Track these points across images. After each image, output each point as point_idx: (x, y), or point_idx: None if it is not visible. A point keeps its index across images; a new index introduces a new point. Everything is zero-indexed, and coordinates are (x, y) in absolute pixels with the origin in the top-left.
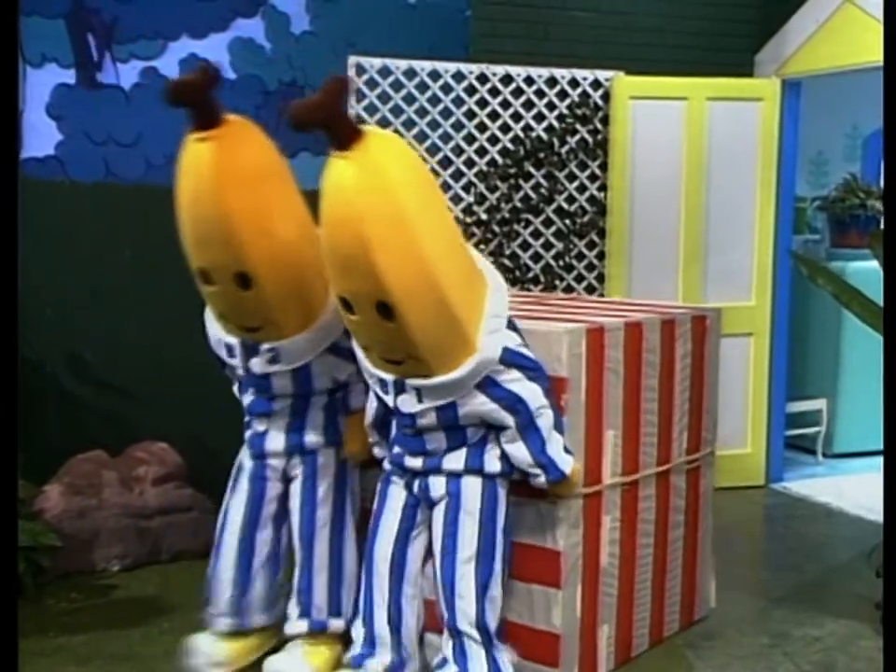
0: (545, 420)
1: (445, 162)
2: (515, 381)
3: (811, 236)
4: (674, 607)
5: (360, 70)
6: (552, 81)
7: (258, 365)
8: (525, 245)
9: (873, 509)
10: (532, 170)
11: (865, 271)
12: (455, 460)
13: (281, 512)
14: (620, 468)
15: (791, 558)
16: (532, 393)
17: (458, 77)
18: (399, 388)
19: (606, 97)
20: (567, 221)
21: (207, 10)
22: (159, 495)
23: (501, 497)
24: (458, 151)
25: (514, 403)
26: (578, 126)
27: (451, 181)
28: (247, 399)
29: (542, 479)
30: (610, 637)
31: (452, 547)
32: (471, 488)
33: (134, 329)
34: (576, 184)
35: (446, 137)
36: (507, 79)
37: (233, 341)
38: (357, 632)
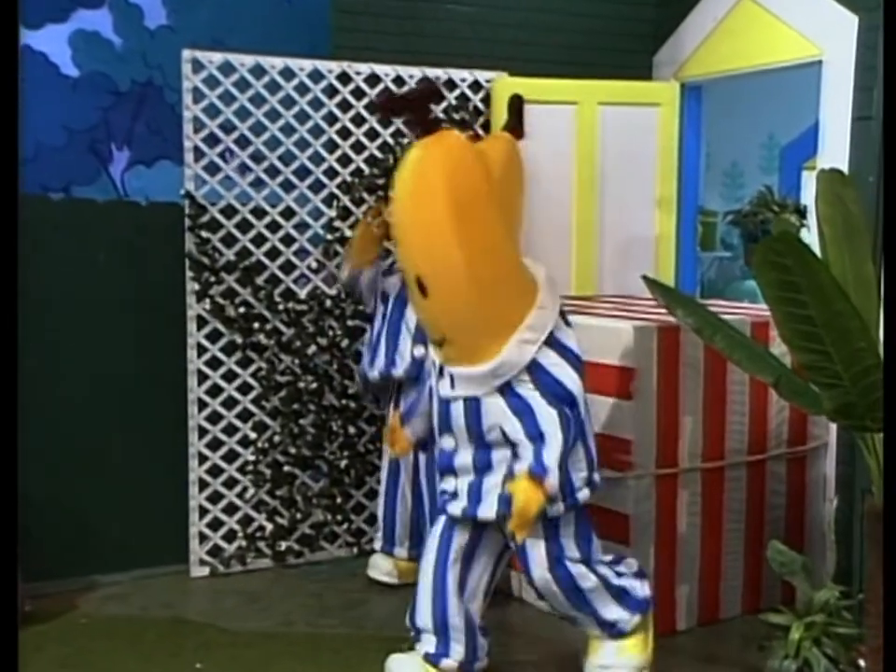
0: (554, 442)
1: (302, 172)
2: (532, 394)
3: (723, 253)
4: (773, 581)
5: (197, 66)
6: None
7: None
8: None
9: None
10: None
11: None
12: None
13: None
14: (700, 450)
15: None
16: (549, 415)
17: (316, 75)
18: (440, 372)
19: (487, 100)
20: None
21: None
22: None
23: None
24: (318, 160)
25: (525, 411)
26: (456, 132)
27: (309, 193)
28: None
29: (526, 464)
30: (691, 596)
31: None
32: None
33: None
34: None
35: (303, 144)
36: (373, 79)
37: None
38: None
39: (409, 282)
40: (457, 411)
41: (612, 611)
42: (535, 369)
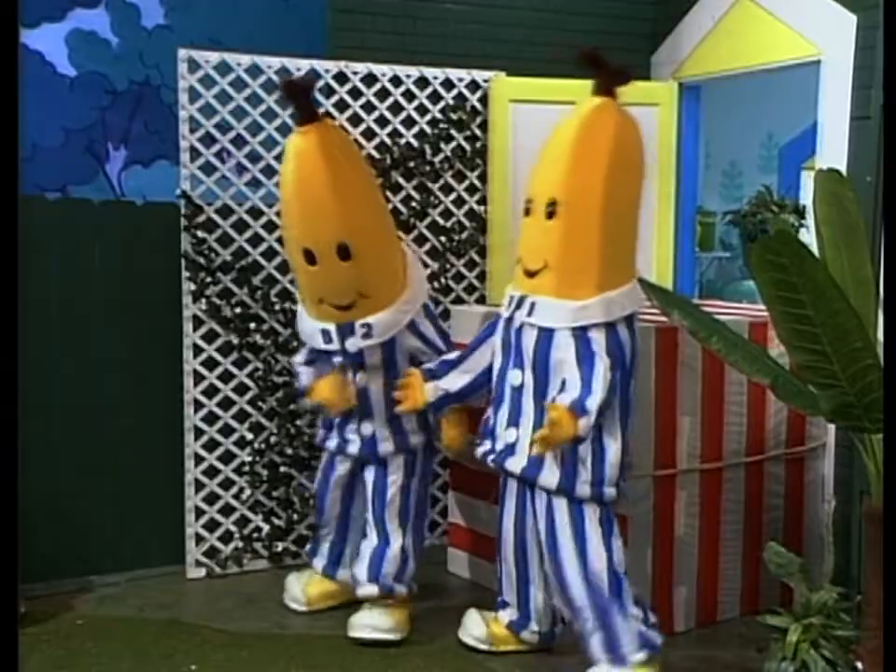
0: (600, 394)
1: None
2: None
3: (722, 253)
4: (771, 582)
5: (193, 66)
6: (422, 82)
7: (353, 344)
8: None
9: None
10: (401, 181)
11: None
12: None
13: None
14: (698, 451)
15: None
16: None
17: (313, 75)
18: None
19: (484, 100)
20: (443, 238)
21: None
22: None
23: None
24: None
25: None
26: (453, 132)
27: None
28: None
29: (569, 398)
30: (689, 598)
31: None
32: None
33: None
34: (452, 196)
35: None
36: (370, 79)
37: (330, 326)
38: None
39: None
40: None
41: (622, 630)
42: (610, 330)
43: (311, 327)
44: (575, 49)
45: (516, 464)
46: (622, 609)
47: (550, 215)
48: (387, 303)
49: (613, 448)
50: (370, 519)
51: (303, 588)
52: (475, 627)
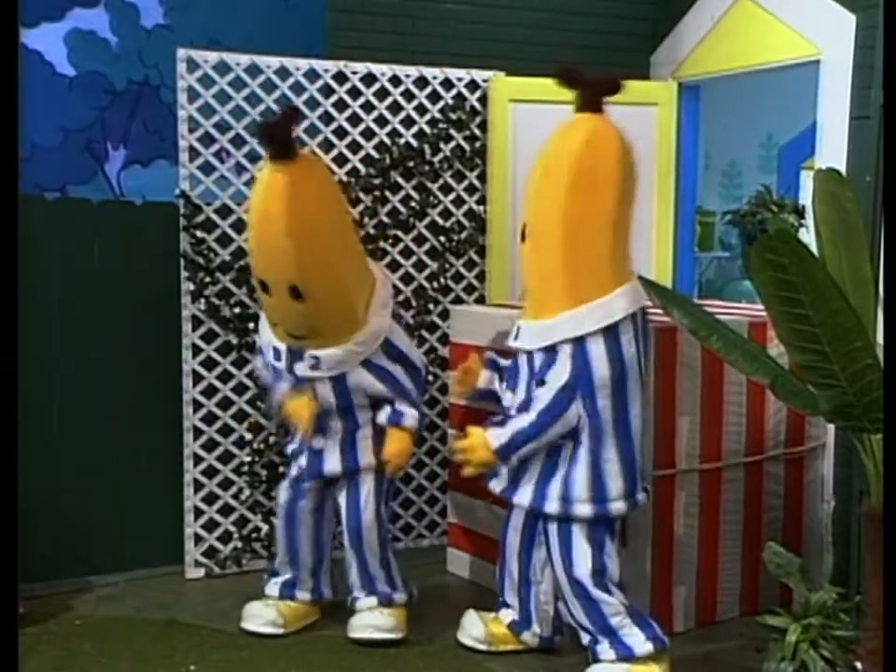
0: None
1: None
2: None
3: (722, 253)
4: (770, 582)
5: (192, 65)
6: (422, 81)
7: (300, 369)
8: (395, 266)
9: None
10: (401, 181)
11: None
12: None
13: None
14: (697, 451)
15: None
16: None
17: (312, 75)
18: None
19: (483, 100)
20: (443, 238)
21: None
22: None
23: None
24: None
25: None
26: (453, 132)
27: None
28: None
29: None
30: (689, 597)
31: None
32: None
33: None
34: (452, 196)
35: (299, 144)
36: (369, 78)
37: (282, 346)
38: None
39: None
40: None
41: (628, 628)
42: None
43: (266, 339)
44: (574, 48)
45: (497, 484)
46: (614, 615)
47: (523, 240)
48: (339, 341)
49: (582, 465)
50: (346, 540)
51: (277, 609)
52: (473, 628)
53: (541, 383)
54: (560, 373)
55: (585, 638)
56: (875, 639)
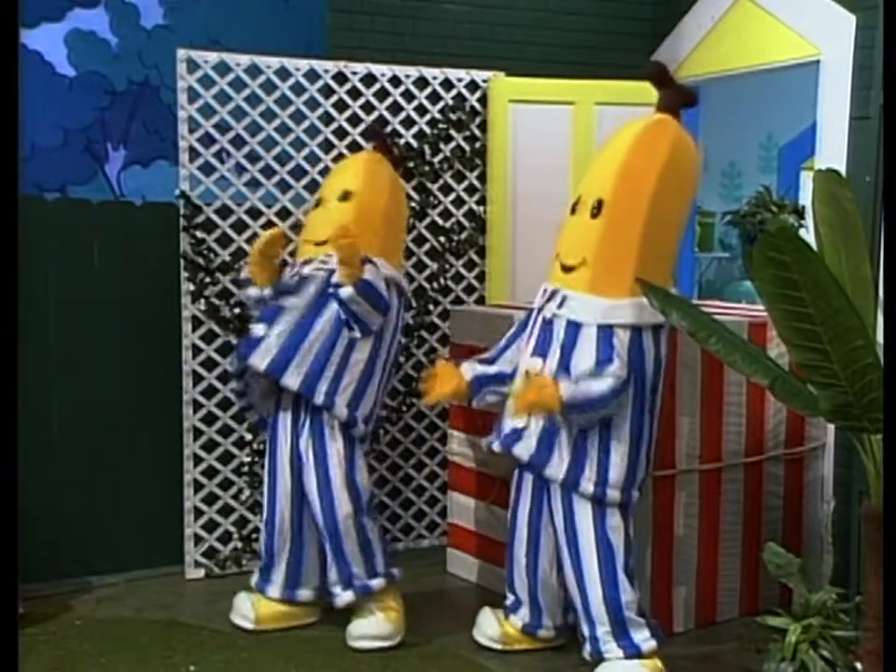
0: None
1: (298, 173)
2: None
3: (721, 253)
4: (770, 583)
5: (192, 66)
6: (422, 82)
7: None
8: None
9: None
10: (401, 181)
11: None
12: None
13: None
14: (697, 451)
15: None
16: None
17: (312, 75)
18: (552, 298)
19: (483, 100)
20: (442, 239)
21: None
22: None
23: None
24: (314, 160)
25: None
26: (452, 132)
27: (305, 194)
28: None
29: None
30: (689, 598)
31: None
32: None
33: None
34: (452, 197)
35: (299, 144)
36: (369, 79)
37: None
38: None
39: (581, 209)
40: (557, 327)
41: (636, 624)
42: (635, 334)
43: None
44: (573, 48)
45: (524, 450)
46: (629, 608)
47: (595, 214)
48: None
49: (620, 451)
50: (318, 518)
51: (254, 605)
52: (489, 627)
53: (609, 361)
54: (620, 357)
55: (588, 637)
56: (874, 640)
